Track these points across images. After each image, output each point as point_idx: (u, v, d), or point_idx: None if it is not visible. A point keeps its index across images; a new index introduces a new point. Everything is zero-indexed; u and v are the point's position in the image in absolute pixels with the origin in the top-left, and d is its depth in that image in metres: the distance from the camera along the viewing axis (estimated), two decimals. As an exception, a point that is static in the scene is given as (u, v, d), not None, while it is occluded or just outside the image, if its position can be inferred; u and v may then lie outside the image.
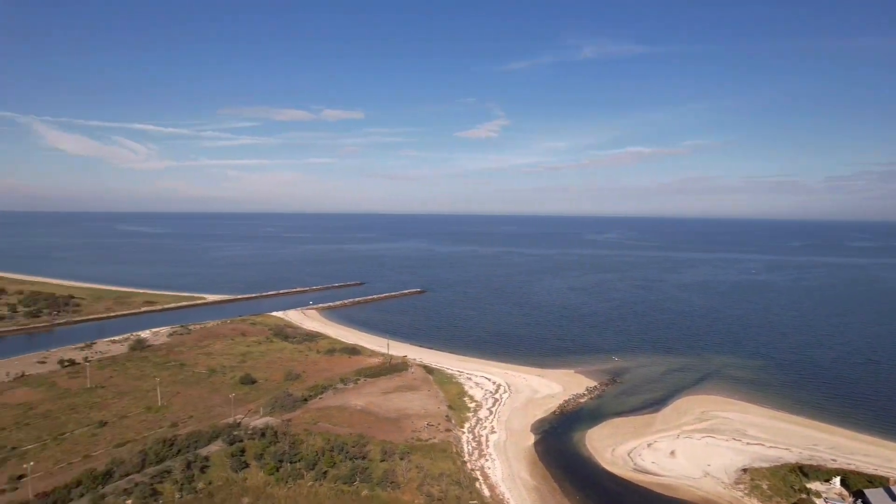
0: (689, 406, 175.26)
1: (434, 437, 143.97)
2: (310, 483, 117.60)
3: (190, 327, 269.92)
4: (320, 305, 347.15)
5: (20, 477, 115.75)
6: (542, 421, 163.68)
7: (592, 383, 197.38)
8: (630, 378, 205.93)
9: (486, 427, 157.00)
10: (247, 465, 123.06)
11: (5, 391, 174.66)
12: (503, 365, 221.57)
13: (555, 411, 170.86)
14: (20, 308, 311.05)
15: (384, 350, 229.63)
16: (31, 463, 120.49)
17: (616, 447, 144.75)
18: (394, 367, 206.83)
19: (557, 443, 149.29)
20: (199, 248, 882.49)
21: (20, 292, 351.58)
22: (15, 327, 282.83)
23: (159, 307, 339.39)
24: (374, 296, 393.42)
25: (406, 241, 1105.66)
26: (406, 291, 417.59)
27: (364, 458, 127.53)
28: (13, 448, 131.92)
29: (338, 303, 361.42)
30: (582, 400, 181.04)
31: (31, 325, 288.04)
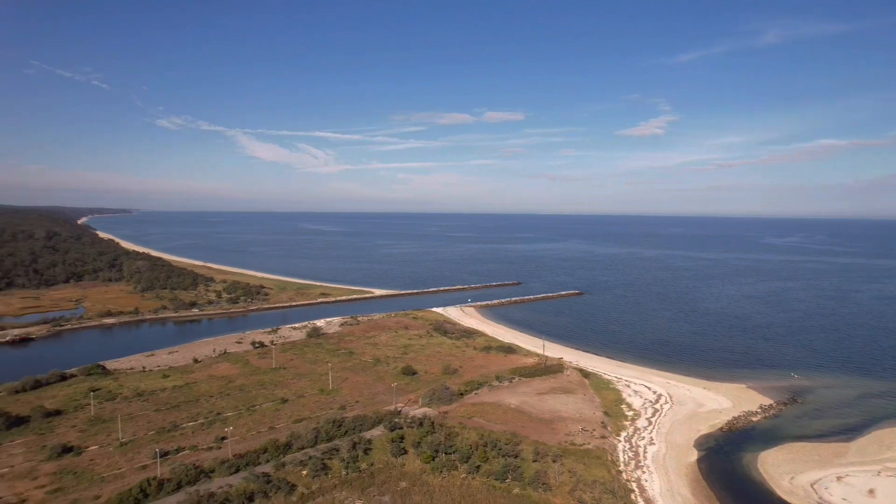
0: None
1: (588, 443, 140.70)
2: (463, 475, 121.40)
3: (359, 319, 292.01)
4: (478, 303, 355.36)
5: (223, 438, 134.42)
6: (707, 437, 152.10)
7: (767, 401, 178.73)
8: (814, 399, 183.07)
9: (644, 437, 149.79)
10: (405, 452, 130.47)
11: (212, 365, 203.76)
12: (664, 374, 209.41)
13: (722, 428, 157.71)
14: (224, 295, 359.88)
15: (539, 350, 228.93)
16: (231, 428, 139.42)
17: (796, 475, 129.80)
18: (549, 369, 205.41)
19: (724, 462, 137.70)
20: (369, 245, 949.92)
21: (224, 281, 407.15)
22: (220, 311, 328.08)
23: (333, 299, 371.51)
24: (532, 296, 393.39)
25: (565, 242, 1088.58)
26: (564, 293, 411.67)
27: (516, 456, 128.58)
28: (218, 413, 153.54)
29: (495, 301, 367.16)
30: (755, 418, 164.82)
31: (232, 310, 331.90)
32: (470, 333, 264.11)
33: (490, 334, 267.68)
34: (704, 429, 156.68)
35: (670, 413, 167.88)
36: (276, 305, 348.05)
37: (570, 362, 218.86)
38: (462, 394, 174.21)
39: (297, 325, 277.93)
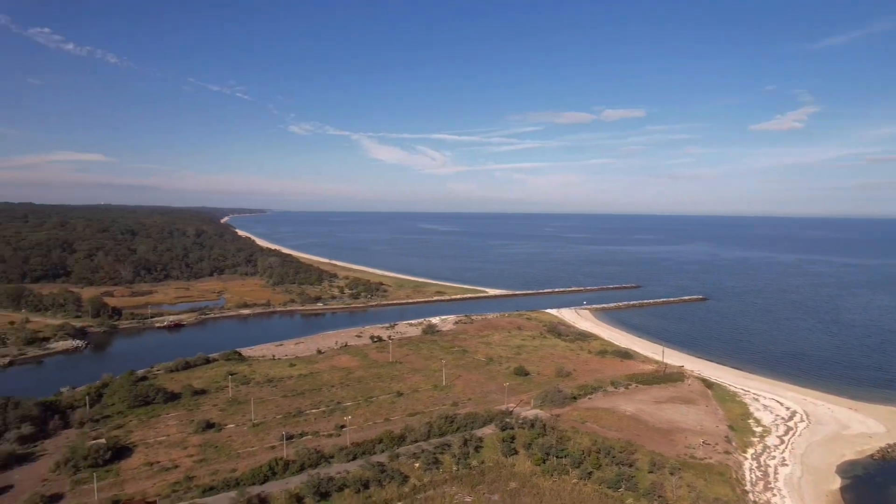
0: None
1: (710, 458, 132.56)
2: (574, 480, 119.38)
3: (472, 317, 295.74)
4: (594, 306, 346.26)
5: (342, 426, 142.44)
6: (853, 463, 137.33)
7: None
8: None
9: (774, 457, 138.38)
10: (516, 452, 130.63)
11: (334, 356, 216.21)
12: (800, 389, 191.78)
13: (873, 455, 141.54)
14: (346, 291, 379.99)
15: (658, 357, 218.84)
16: (350, 417, 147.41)
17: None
18: (668, 377, 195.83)
19: (877, 495, 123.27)
20: (484, 245, 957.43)
21: (347, 278, 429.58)
22: (342, 306, 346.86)
23: (448, 297, 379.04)
24: (651, 300, 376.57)
25: (688, 245, 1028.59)
26: (686, 298, 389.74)
27: (631, 465, 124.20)
28: (338, 402, 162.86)
29: (612, 305, 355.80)
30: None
31: (353, 305, 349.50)
32: (584, 336, 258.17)
33: (606, 338, 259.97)
34: (850, 454, 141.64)
35: (807, 433, 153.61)
36: (394, 302, 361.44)
37: (692, 371, 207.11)
38: (575, 397, 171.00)
39: (413, 321, 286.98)
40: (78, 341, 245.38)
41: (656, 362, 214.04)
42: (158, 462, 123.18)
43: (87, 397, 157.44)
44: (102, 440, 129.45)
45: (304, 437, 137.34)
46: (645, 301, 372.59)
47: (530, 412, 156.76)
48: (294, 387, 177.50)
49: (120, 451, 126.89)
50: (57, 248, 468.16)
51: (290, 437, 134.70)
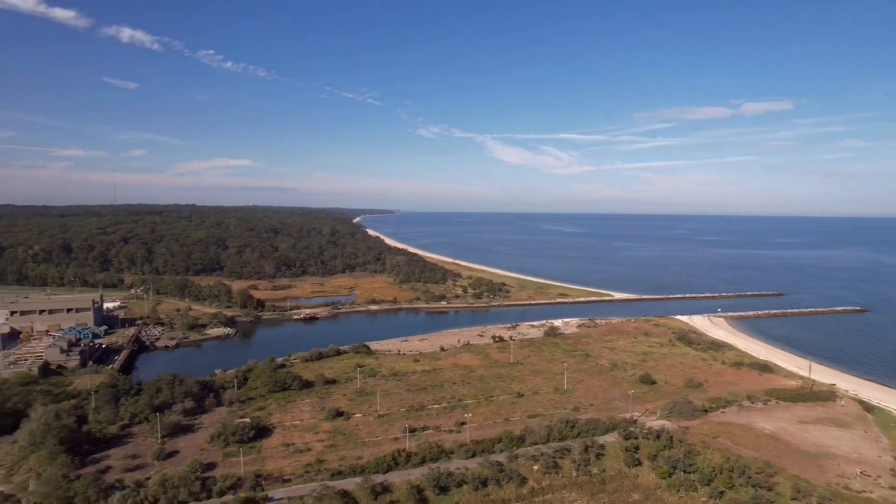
0: None
1: (870, 492, 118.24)
2: (704, 498, 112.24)
3: (596, 321, 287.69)
4: (729, 314, 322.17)
5: (462, 423, 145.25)
6: None
7: None
8: None
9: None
10: (639, 463, 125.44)
11: (456, 354, 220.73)
12: None
13: None
14: (469, 290, 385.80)
15: (803, 373, 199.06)
16: (470, 414, 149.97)
17: None
18: (816, 395, 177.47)
19: None
20: (610, 247, 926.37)
21: (470, 277, 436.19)
22: (465, 305, 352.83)
23: (571, 300, 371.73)
24: (796, 309, 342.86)
25: (841, 249, 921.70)
26: (839, 308, 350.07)
27: (770, 489, 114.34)
28: (459, 400, 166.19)
29: (750, 313, 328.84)
30: None
31: (475, 305, 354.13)
32: (718, 346, 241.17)
33: (742, 349, 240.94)
34: None
35: None
36: (517, 303, 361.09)
37: (846, 391, 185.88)
38: (706, 410, 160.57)
39: (535, 322, 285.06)
40: (229, 329, 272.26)
41: (801, 378, 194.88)
42: (293, 444, 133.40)
43: (235, 380, 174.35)
44: (247, 419, 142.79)
45: (425, 431, 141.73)
46: (789, 310, 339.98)
47: (656, 422, 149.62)
48: (417, 382, 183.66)
49: (262, 431, 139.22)
50: (213, 244, 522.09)
51: (412, 431, 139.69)
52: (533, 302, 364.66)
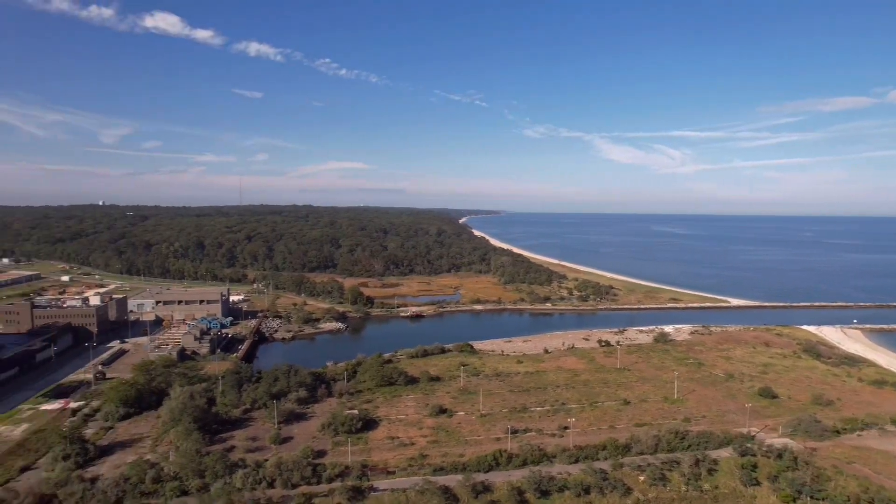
0: None
1: None
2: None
3: (711, 328, 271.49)
4: (867, 326, 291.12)
5: (565, 427, 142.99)
6: None
7: None
8: None
9: None
10: (757, 483, 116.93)
11: (560, 357, 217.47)
12: None
13: None
14: (575, 292, 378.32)
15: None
16: (573, 419, 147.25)
17: None
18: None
19: None
20: (726, 250, 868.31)
21: (576, 279, 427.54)
22: (570, 307, 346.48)
23: (682, 305, 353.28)
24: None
25: None
26: None
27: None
28: (562, 403, 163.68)
29: (893, 326, 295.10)
30: None
31: (581, 308, 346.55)
32: (853, 361, 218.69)
33: (884, 365, 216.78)
34: None
35: None
36: (624, 307, 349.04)
37: None
38: (839, 432, 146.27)
39: (643, 328, 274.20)
40: (340, 323, 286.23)
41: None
42: (398, 438, 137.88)
43: (345, 373, 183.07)
44: (356, 411, 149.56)
45: (527, 433, 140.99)
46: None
47: (778, 440, 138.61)
48: (520, 383, 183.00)
49: (368, 423, 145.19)
50: (327, 243, 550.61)
51: (514, 432, 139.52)
52: (642, 306, 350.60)
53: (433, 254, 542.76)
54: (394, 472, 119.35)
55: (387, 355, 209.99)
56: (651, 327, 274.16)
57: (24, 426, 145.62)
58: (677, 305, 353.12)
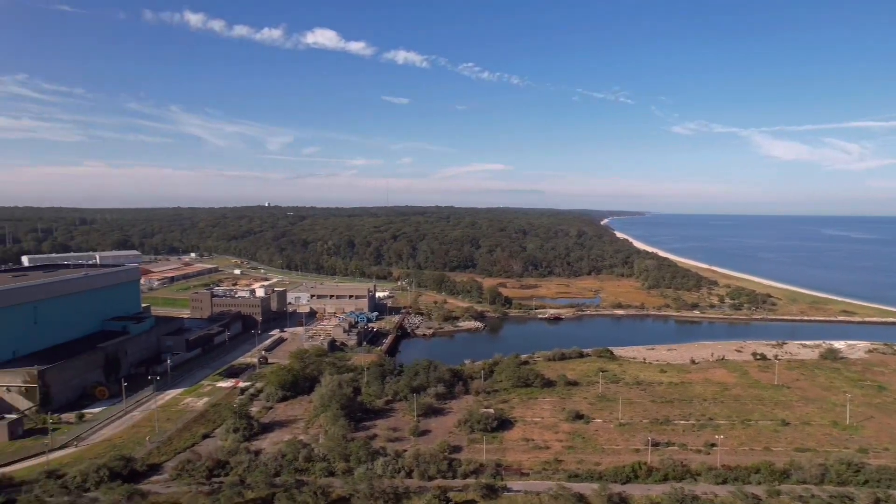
0: None
1: None
2: None
3: (895, 347, 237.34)
4: None
5: (712, 444, 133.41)
6: None
7: None
8: None
9: None
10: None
11: (709, 369, 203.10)
12: None
13: None
14: (726, 300, 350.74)
15: None
16: (721, 436, 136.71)
17: None
18: None
19: None
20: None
21: (728, 286, 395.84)
22: (720, 316, 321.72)
23: (858, 319, 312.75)
24: None
25: None
26: None
27: None
28: (710, 419, 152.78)
29: None
30: None
31: (733, 317, 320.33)
32: None
33: None
34: None
35: None
36: (784, 318, 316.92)
37: None
38: None
39: (807, 342, 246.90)
40: (478, 322, 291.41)
41: None
42: (533, 440, 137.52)
43: (482, 371, 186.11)
44: (491, 410, 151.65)
45: (669, 447, 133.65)
46: None
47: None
48: (663, 393, 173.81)
49: (504, 423, 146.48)
50: (467, 243, 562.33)
51: (655, 444, 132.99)
52: (805, 318, 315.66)
53: (573, 255, 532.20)
54: (528, 474, 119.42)
55: (524, 356, 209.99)
56: (817, 342, 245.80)
57: (205, 399, 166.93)
58: (851, 319, 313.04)
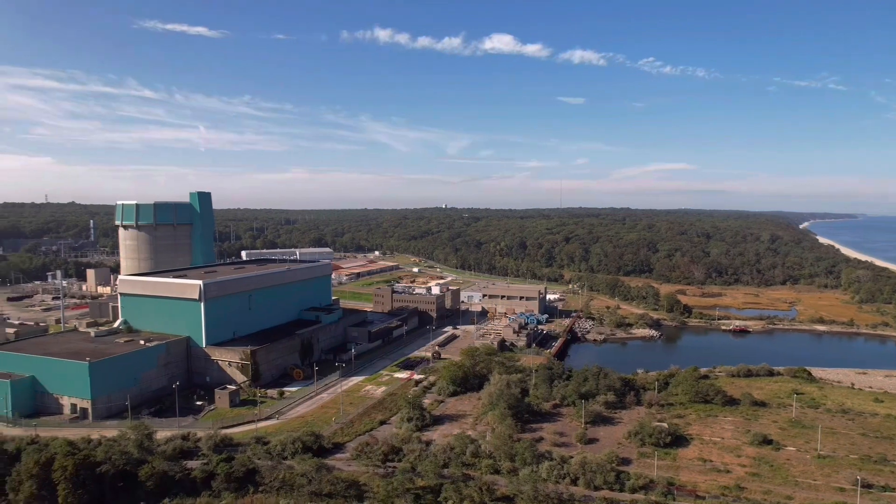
0: None
1: None
2: None
3: None
4: None
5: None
6: None
7: None
8: None
9: None
10: None
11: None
12: None
13: None
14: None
15: None
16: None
17: None
18: None
19: None
20: None
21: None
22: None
23: None
24: None
25: None
26: None
27: None
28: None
29: None
30: None
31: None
32: None
33: None
34: None
35: None
36: None
37: None
38: None
39: None
40: (654, 331, 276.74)
41: None
42: (711, 461, 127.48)
43: (656, 382, 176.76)
44: (665, 424, 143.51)
45: (885, 492, 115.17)
46: None
47: None
48: (877, 426, 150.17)
49: (678, 439, 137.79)
50: (644, 247, 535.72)
51: (866, 486, 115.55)
52: None
53: (764, 262, 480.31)
54: (703, 497, 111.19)
55: (703, 370, 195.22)
56: None
57: (384, 388, 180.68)
58: None
